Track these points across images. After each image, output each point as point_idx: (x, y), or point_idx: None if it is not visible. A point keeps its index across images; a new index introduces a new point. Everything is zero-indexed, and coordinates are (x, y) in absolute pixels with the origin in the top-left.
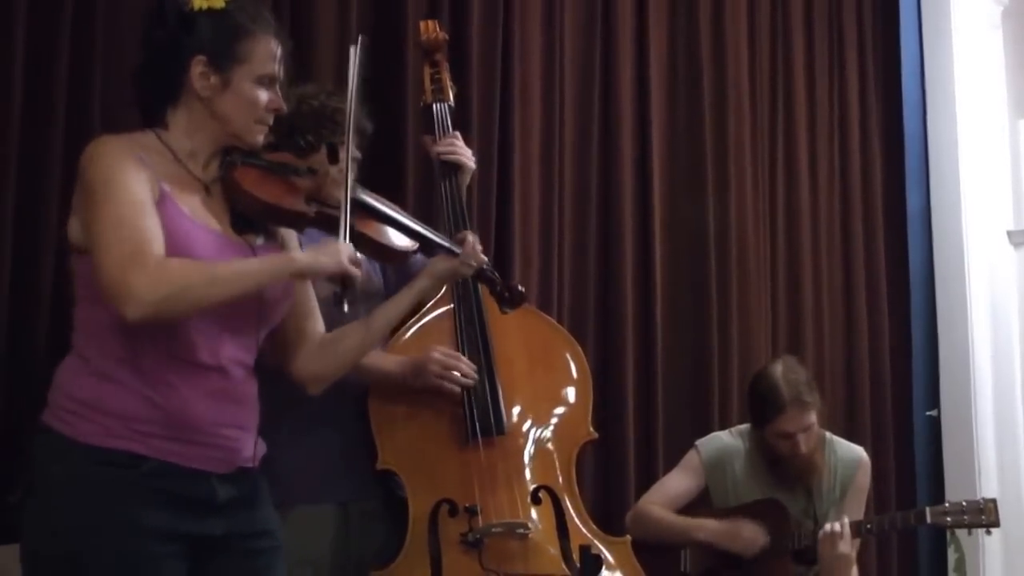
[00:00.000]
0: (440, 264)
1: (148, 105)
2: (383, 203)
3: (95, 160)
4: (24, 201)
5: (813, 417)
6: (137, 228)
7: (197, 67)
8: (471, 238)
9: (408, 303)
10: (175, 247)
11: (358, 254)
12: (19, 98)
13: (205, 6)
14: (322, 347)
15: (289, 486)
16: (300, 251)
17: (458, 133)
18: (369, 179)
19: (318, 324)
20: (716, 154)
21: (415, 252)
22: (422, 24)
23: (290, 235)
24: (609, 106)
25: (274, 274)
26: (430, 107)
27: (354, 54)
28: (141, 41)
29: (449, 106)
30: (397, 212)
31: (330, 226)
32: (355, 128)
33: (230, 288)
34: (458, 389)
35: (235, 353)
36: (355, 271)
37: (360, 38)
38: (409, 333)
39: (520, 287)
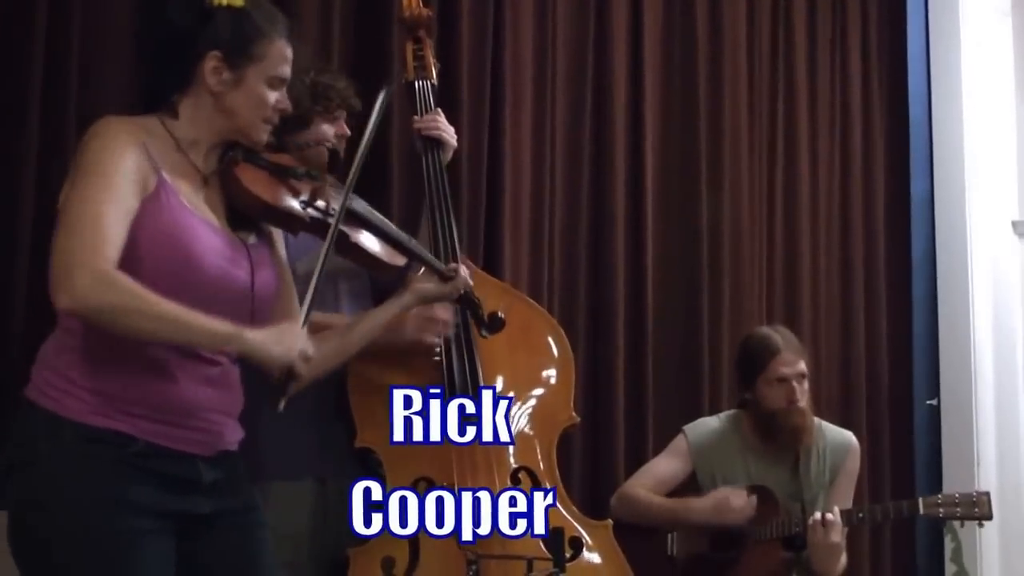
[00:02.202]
0: (427, 284)
1: (154, 89)
2: (378, 217)
3: (96, 138)
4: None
5: (805, 368)
6: (103, 217)
7: (211, 62)
8: (463, 270)
9: (388, 317)
10: (174, 237)
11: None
12: None
13: (224, 2)
14: None
15: (268, 463)
16: (239, 334)
17: (440, 110)
18: (352, 157)
19: None
20: (711, 138)
21: (405, 267)
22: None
23: (279, 237)
24: (602, 91)
25: (217, 339)
26: (412, 84)
27: (383, 98)
28: (152, 24)
29: (432, 84)
30: (392, 228)
31: (323, 232)
32: (345, 106)
33: (165, 331)
34: (437, 343)
35: None
36: (302, 367)
37: (389, 86)
38: None
39: (501, 314)
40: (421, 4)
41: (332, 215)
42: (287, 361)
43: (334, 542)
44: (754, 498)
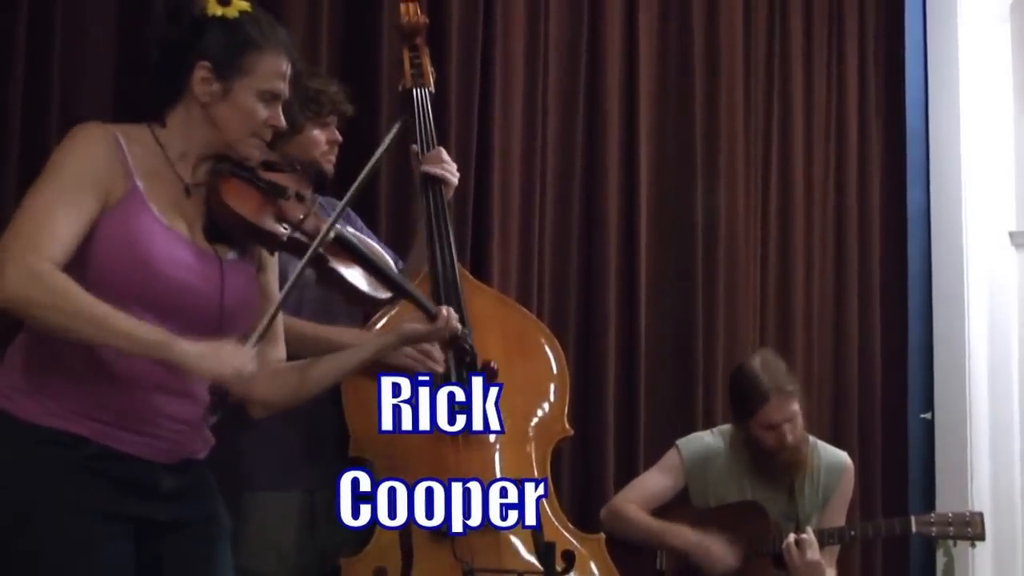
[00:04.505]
0: (413, 325)
1: (147, 99)
2: (366, 246)
3: (67, 140)
4: None
5: (796, 406)
6: (51, 218)
7: (200, 72)
8: (447, 311)
9: (368, 356)
10: (132, 245)
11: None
12: None
13: (218, 13)
14: (275, 376)
15: (256, 473)
16: (187, 346)
17: (442, 149)
18: (342, 165)
19: (278, 351)
20: (706, 144)
21: (388, 302)
22: (402, 6)
23: (271, 262)
24: (595, 90)
25: (143, 345)
26: (410, 92)
27: (396, 130)
28: (145, 34)
29: (429, 91)
30: (379, 259)
31: (301, 253)
32: (337, 112)
33: (86, 331)
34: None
35: None
36: (239, 386)
37: (402, 121)
38: (383, 321)
39: (494, 364)
40: (419, 12)
41: (313, 237)
42: (219, 377)
43: (320, 554)
44: (738, 549)
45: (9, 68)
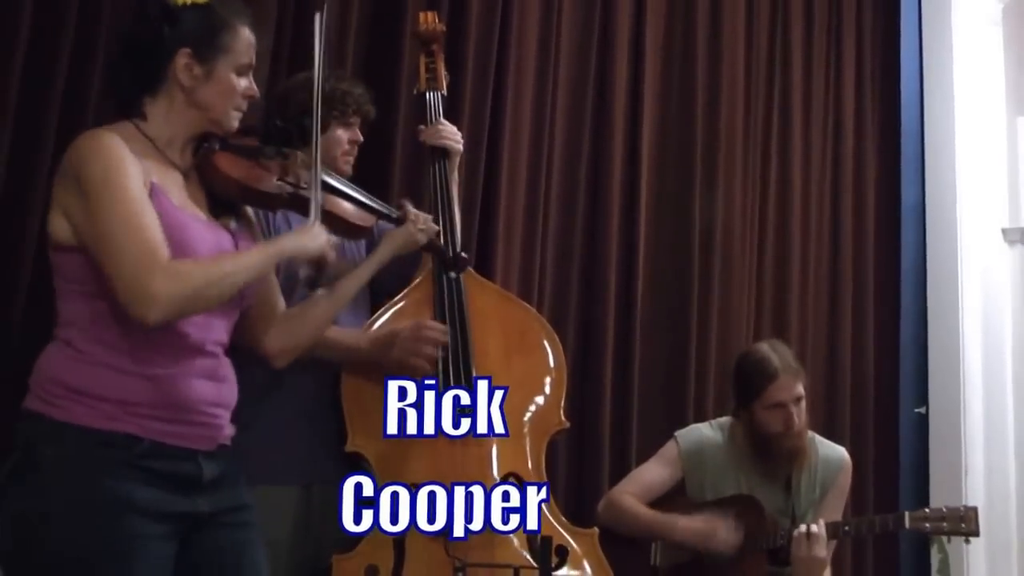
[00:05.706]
0: (395, 233)
1: (124, 96)
2: (342, 181)
3: (91, 156)
4: (10, 192)
5: (803, 389)
6: (144, 228)
7: (182, 59)
8: (409, 206)
9: (368, 273)
10: (170, 239)
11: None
12: (16, 87)
13: (189, 1)
14: (288, 320)
15: (254, 465)
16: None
17: (443, 121)
18: (358, 162)
19: (280, 298)
20: (707, 143)
21: (373, 226)
22: (421, 15)
23: (251, 215)
24: (603, 96)
25: (270, 261)
26: (423, 95)
27: (319, 21)
28: (119, 36)
29: (442, 95)
30: (352, 189)
31: (301, 206)
32: (360, 113)
33: (236, 281)
34: (427, 367)
35: (218, 335)
36: (332, 254)
37: (325, 6)
38: (386, 316)
39: (465, 254)
40: (437, 20)
41: (305, 188)
42: (321, 250)
43: (315, 550)
44: (741, 533)
45: (54, 65)
